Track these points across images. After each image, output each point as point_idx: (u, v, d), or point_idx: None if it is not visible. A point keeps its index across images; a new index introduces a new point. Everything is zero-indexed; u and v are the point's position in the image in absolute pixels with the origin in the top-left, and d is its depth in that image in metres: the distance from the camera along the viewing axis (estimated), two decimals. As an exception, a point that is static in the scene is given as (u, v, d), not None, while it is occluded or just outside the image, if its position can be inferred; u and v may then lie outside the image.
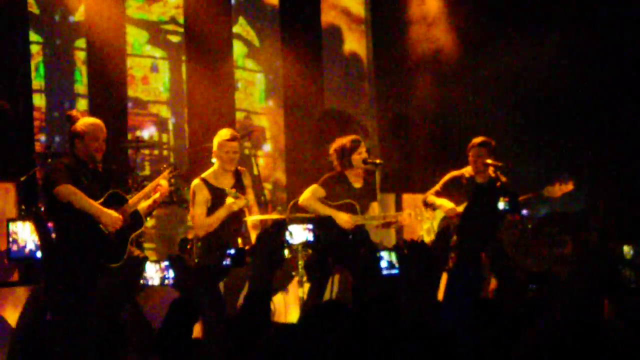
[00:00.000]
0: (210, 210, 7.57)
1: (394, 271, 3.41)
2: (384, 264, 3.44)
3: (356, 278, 3.67)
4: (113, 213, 6.78)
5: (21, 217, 8.04)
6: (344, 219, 7.96)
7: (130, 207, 6.94)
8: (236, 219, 7.68)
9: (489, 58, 11.49)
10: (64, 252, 6.58)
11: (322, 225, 7.52)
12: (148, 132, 10.82)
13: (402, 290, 3.35)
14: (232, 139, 7.62)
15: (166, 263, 3.95)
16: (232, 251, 4.35)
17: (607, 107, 11.46)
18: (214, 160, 7.70)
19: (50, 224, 6.77)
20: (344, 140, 8.18)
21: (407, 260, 3.37)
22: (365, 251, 3.79)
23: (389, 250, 3.40)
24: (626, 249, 7.44)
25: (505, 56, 11.54)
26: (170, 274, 3.88)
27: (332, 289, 7.97)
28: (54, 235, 6.67)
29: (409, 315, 3.28)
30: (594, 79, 11.47)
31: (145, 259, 6.63)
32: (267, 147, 11.83)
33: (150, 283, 4.10)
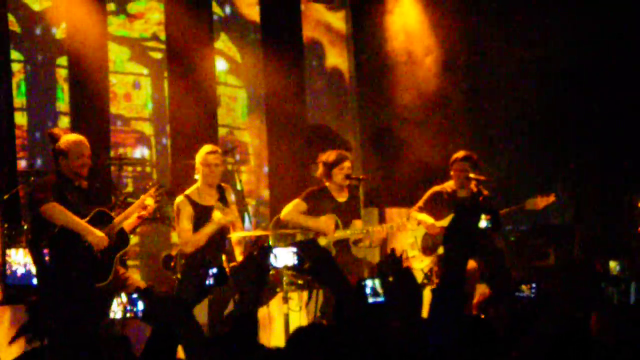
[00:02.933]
0: (195, 228, 7.57)
1: (379, 299, 3.43)
2: (368, 290, 3.45)
3: (339, 300, 3.68)
4: (99, 232, 6.78)
5: (5, 236, 8.00)
6: (326, 221, 8.00)
7: (116, 225, 6.95)
8: (220, 235, 7.68)
9: (469, 71, 11.54)
10: (56, 272, 6.58)
11: (305, 247, 7.54)
12: (131, 149, 10.81)
13: (388, 314, 3.38)
14: (213, 152, 7.65)
15: (131, 295, 3.93)
16: (215, 270, 4.35)
17: (593, 118, 11.51)
18: (197, 176, 7.71)
19: (45, 250, 6.73)
20: (330, 154, 8.23)
21: (393, 286, 3.40)
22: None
23: (373, 277, 3.42)
24: (612, 264, 7.47)
25: (485, 69, 11.61)
26: (139, 306, 3.84)
27: (316, 304, 7.99)
28: (47, 259, 6.65)
29: (395, 336, 3.31)
30: (579, 92, 11.52)
31: (113, 293, 6.51)
32: (250, 162, 11.83)
33: (111, 317, 4.08)
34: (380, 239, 8.28)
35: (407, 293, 3.42)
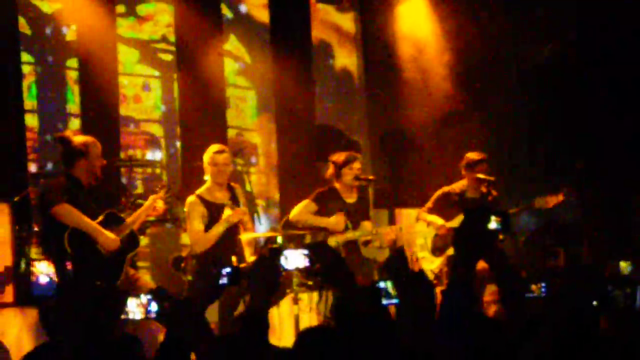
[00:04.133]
0: (208, 226, 7.60)
1: (393, 301, 3.45)
2: (382, 293, 3.48)
3: (349, 300, 3.71)
4: (110, 234, 6.80)
5: (16, 238, 8.03)
6: (337, 219, 8.01)
7: (127, 227, 6.98)
8: (231, 236, 7.70)
9: (478, 72, 11.52)
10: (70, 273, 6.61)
11: (315, 249, 7.57)
12: (141, 151, 10.84)
13: (401, 315, 3.41)
14: (221, 151, 7.67)
15: (148, 297, 3.96)
16: (229, 270, 4.37)
17: (603, 117, 11.48)
18: (206, 177, 7.74)
19: (68, 263, 6.75)
20: (341, 154, 8.25)
21: (406, 288, 3.43)
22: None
23: (385, 279, 3.44)
24: (623, 265, 7.45)
25: (495, 70, 11.59)
26: (153, 307, 3.86)
27: (325, 305, 7.99)
28: (70, 267, 6.67)
29: (407, 338, 3.34)
30: (589, 90, 11.50)
31: (127, 293, 6.54)
32: (260, 163, 11.85)
33: (131, 317, 4.10)
34: (390, 240, 8.27)
35: (420, 295, 3.45)
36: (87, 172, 6.89)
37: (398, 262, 3.72)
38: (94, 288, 6.60)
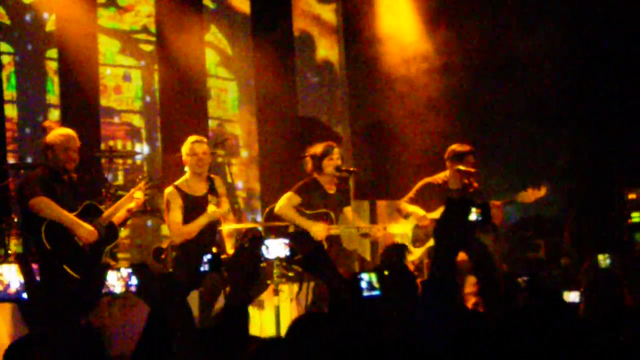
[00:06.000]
0: (185, 218, 7.58)
1: (375, 293, 3.44)
2: (363, 284, 3.47)
3: (332, 291, 3.71)
4: (88, 226, 6.78)
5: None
6: (319, 229, 7.99)
7: (105, 219, 6.95)
8: (211, 227, 7.69)
9: (459, 65, 11.53)
10: (42, 264, 6.57)
11: (297, 239, 7.58)
12: (121, 142, 10.79)
13: (383, 309, 3.41)
14: (199, 141, 7.67)
15: (129, 270, 3.95)
16: (209, 256, 4.36)
17: (584, 109, 11.52)
18: (186, 168, 7.72)
19: (34, 265, 6.71)
20: (317, 146, 8.24)
21: (388, 281, 3.42)
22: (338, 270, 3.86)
23: (369, 271, 3.43)
24: (601, 257, 7.40)
25: (477, 60, 11.60)
26: (134, 281, 3.86)
27: (306, 296, 8.00)
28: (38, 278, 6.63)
29: (391, 331, 3.33)
30: (571, 83, 11.53)
31: (108, 266, 6.54)
32: (241, 155, 11.82)
33: (112, 290, 4.09)
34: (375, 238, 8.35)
35: (403, 287, 3.44)
36: (56, 164, 6.85)
37: (395, 253, 3.73)
38: (71, 280, 6.58)
